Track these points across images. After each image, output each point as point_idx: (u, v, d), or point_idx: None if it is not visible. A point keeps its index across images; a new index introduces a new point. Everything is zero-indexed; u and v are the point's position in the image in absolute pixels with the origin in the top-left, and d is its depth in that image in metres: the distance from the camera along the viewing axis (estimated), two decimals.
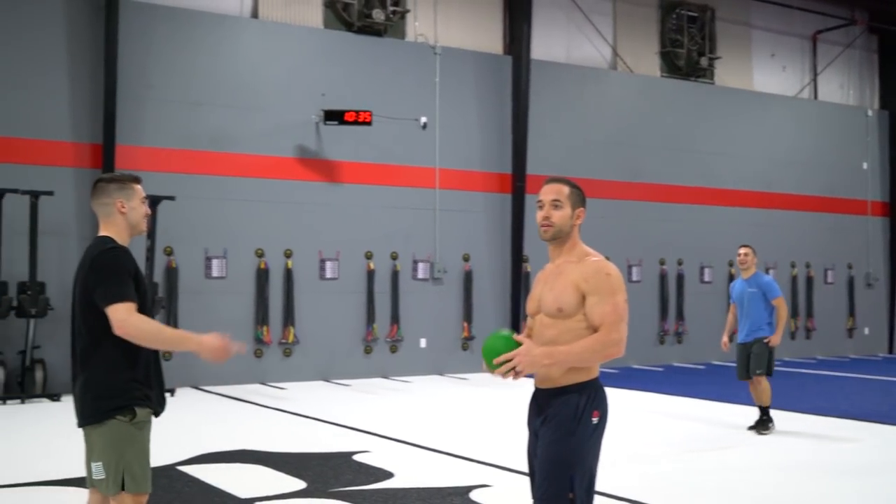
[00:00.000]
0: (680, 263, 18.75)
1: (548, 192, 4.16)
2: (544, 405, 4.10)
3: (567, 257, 4.17)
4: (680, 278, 18.70)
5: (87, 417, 4.17)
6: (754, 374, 9.88)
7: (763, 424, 9.83)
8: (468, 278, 16.42)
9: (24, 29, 13.20)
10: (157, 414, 4.35)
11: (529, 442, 4.20)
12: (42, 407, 11.98)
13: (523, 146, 16.62)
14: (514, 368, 3.89)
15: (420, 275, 16.11)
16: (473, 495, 7.04)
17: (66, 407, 11.73)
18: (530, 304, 4.27)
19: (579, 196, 4.20)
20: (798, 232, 20.39)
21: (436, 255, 16.15)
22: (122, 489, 4.13)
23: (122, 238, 4.36)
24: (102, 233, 4.38)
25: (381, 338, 15.67)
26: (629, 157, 18.27)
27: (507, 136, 16.83)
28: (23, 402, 12.15)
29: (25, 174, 12.82)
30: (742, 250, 10.10)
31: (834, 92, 21.76)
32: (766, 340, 9.84)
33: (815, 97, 21.40)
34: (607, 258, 4.24)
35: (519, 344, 3.93)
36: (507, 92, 16.88)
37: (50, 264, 12.86)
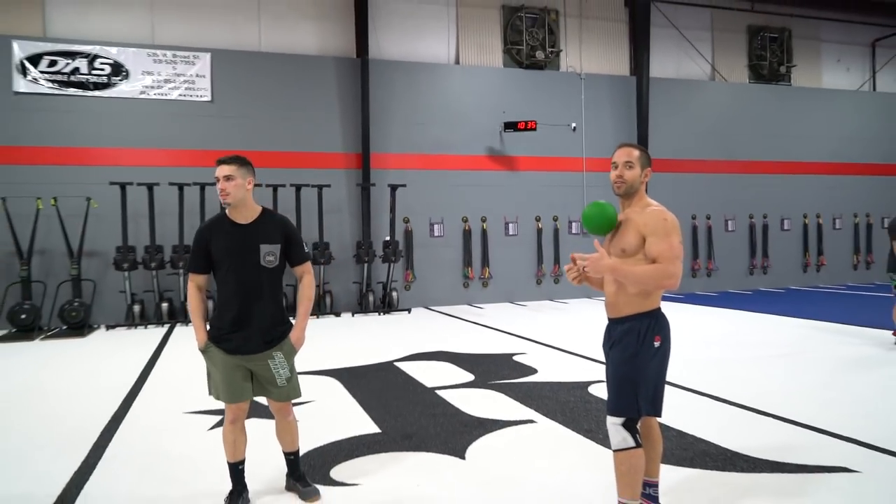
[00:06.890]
0: (765, 217, 17.13)
1: (621, 155, 3.59)
2: (613, 332, 3.53)
3: (633, 208, 3.56)
4: (765, 228, 17.09)
5: None
6: None
7: None
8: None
9: (312, 83, 13.65)
10: (229, 351, 3.71)
11: (606, 365, 3.61)
12: (330, 322, 12.25)
13: (646, 138, 15.62)
14: (582, 269, 3.41)
15: (573, 231, 15.56)
16: (591, 389, 6.64)
17: (343, 321, 12.14)
18: (605, 248, 3.60)
19: (647, 158, 3.60)
20: (861, 191, 18.13)
21: None
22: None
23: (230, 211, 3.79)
24: None
25: (548, 273, 15.31)
26: (726, 142, 16.78)
27: (633, 132, 15.85)
28: (317, 318, 12.70)
29: (314, 175, 13.33)
30: None
31: (890, 85, 19.03)
32: None
33: (874, 90, 18.82)
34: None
35: (607, 211, 3.52)
36: (633, 102, 15.89)
37: (332, 230, 13.35)
